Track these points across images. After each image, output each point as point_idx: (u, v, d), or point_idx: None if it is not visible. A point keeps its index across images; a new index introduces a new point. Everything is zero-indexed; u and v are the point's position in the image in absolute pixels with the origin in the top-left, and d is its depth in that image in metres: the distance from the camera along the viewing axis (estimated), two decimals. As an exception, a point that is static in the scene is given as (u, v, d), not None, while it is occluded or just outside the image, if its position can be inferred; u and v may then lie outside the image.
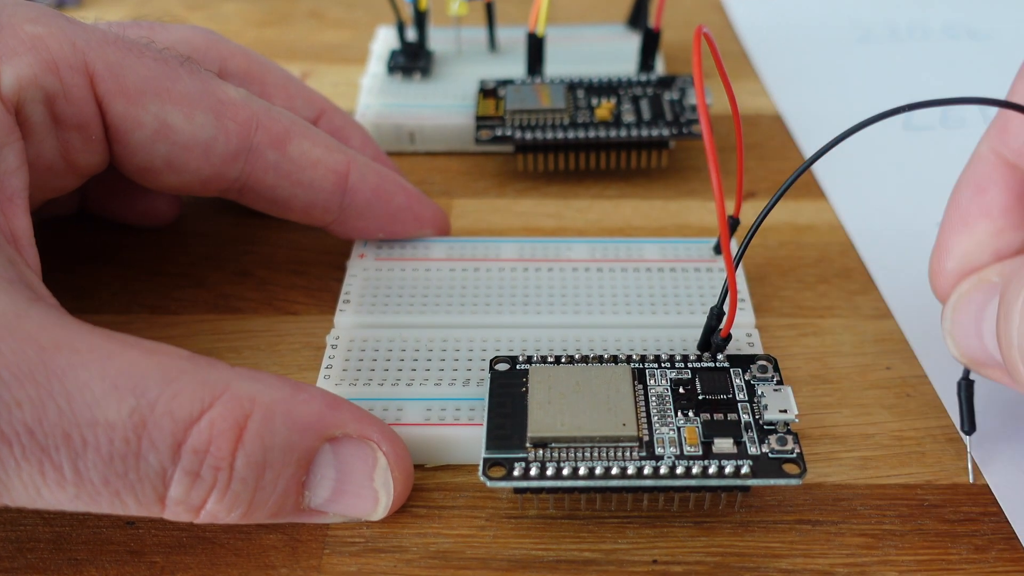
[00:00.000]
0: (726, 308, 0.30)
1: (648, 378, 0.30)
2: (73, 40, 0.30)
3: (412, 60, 0.47)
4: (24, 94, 0.28)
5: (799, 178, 0.42)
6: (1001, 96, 0.28)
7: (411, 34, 0.48)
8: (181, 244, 0.39)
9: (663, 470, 0.27)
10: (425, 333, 0.33)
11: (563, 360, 0.30)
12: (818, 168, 0.43)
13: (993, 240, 0.29)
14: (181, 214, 0.40)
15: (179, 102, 0.31)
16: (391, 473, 0.28)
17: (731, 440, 0.27)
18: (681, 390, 0.29)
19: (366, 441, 0.27)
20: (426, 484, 0.30)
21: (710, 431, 0.28)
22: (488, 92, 0.44)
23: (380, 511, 0.28)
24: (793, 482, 0.26)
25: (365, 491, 0.28)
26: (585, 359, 0.30)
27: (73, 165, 0.31)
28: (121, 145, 0.31)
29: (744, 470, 0.27)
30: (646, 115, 0.42)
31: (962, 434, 0.31)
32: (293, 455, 0.26)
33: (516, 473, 0.27)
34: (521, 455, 0.27)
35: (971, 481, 0.30)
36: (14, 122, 0.28)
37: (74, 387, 0.24)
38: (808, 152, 0.45)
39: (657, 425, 0.28)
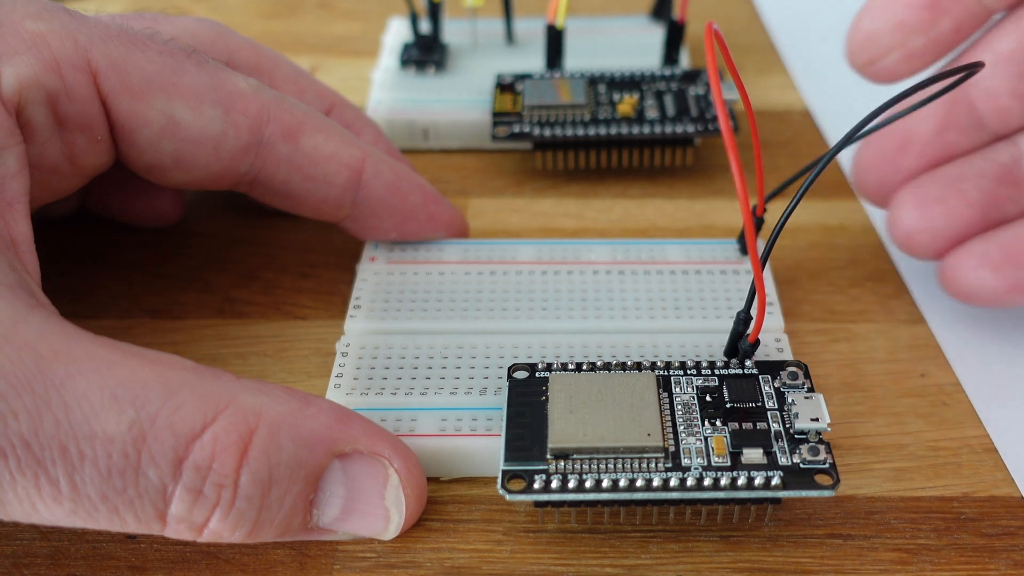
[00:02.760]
0: (754, 312, 0.30)
1: (673, 386, 0.30)
2: (75, 36, 0.30)
3: (426, 53, 0.47)
4: (25, 95, 0.28)
5: (829, 177, 0.42)
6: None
7: (425, 26, 0.48)
8: (185, 245, 0.40)
9: (690, 482, 0.27)
10: (440, 339, 0.33)
11: (584, 367, 0.30)
12: (848, 166, 0.43)
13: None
14: (185, 214, 0.41)
15: (186, 96, 0.31)
16: (403, 491, 0.28)
17: (760, 450, 0.27)
18: (708, 398, 0.29)
19: (377, 457, 0.27)
20: (440, 497, 0.30)
21: (739, 441, 0.28)
22: (505, 87, 0.44)
23: (391, 530, 0.28)
24: (826, 494, 0.26)
25: (376, 509, 0.27)
26: (607, 366, 0.30)
27: (77, 166, 0.31)
28: (127, 143, 0.32)
29: (775, 481, 0.27)
30: (670, 111, 0.42)
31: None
32: (300, 472, 0.26)
33: (536, 486, 0.27)
34: (541, 467, 0.27)
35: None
36: (15, 124, 0.28)
37: (72, 398, 0.24)
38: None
39: (683, 435, 0.28)
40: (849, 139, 0.26)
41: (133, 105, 0.31)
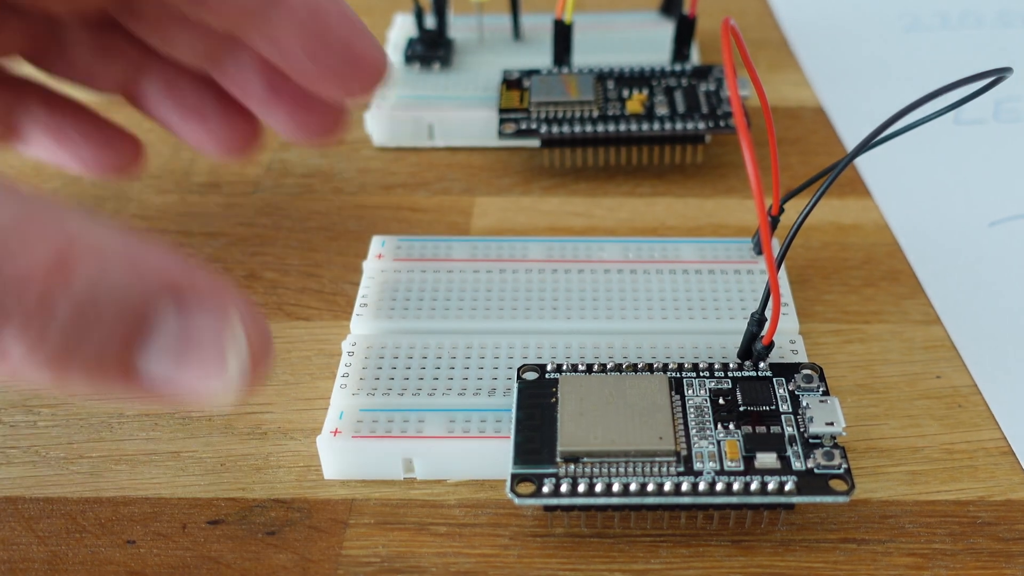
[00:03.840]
0: (768, 313, 0.30)
1: (686, 388, 0.30)
2: None
3: (431, 49, 0.47)
4: None
5: (842, 175, 0.42)
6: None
7: (430, 21, 0.48)
8: (186, 245, 0.40)
9: (702, 487, 0.27)
10: (448, 339, 0.33)
11: (595, 369, 0.30)
12: (863, 164, 0.43)
13: None
14: (184, 211, 0.41)
15: None
16: (245, 335, 0.23)
17: (774, 454, 0.27)
18: (721, 401, 0.29)
19: (217, 296, 0.23)
20: (446, 500, 0.30)
21: (752, 445, 0.28)
22: (512, 83, 0.44)
23: (229, 384, 0.23)
24: (841, 499, 0.26)
25: (212, 355, 0.23)
26: (619, 368, 0.30)
27: None
28: None
29: (788, 487, 0.27)
30: (680, 107, 0.42)
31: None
32: (127, 300, 0.22)
33: (546, 490, 0.27)
34: (551, 470, 0.27)
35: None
36: None
37: None
38: (852, 147, 0.45)
39: (696, 438, 0.28)
40: (866, 144, 0.26)
41: None
